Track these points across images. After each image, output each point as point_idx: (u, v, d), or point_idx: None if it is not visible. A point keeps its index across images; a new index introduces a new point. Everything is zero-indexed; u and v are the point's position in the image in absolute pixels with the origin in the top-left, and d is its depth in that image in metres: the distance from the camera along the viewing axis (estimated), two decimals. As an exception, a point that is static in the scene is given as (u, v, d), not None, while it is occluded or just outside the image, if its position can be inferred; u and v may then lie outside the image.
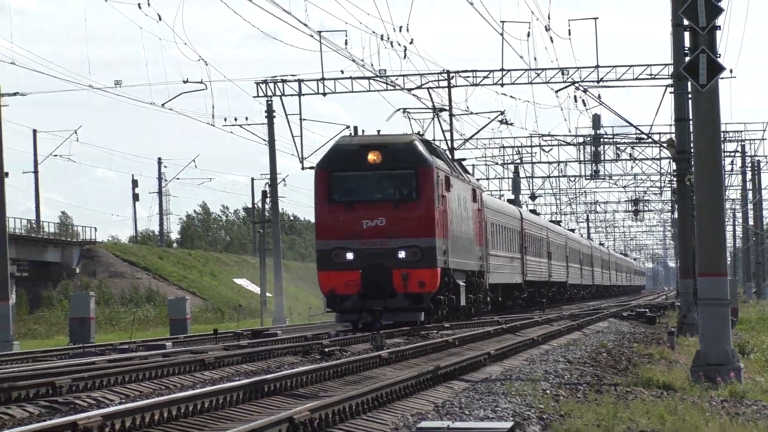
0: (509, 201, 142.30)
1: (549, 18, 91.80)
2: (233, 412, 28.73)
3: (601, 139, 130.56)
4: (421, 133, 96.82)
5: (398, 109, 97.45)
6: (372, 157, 76.60)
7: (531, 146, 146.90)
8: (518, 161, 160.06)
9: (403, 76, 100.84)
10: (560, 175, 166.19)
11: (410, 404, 29.71)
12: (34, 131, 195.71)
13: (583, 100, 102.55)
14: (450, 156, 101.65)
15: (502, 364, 45.35)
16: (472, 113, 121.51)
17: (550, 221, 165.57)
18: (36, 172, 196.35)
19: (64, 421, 23.54)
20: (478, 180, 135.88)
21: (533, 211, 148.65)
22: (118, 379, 37.25)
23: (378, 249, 75.98)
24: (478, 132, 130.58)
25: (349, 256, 75.52)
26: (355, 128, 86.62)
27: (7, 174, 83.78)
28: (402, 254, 77.89)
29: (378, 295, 74.19)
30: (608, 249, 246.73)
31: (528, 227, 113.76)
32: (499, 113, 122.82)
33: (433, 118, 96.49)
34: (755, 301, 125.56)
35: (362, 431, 25.16)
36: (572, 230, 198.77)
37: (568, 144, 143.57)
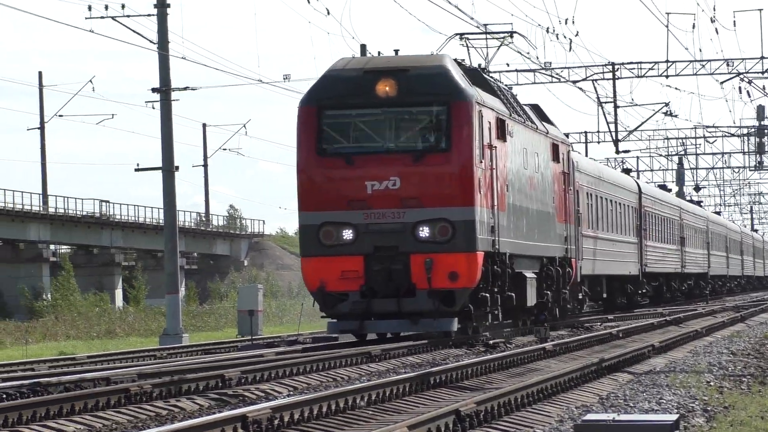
0: (661, 187, 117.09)
1: (714, 9, 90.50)
2: (400, 404, 28.83)
3: (766, 131, 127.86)
4: (483, 67, 65.45)
5: (454, 35, 65.96)
6: (382, 86, 49.34)
7: (695, 138, 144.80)
8: (682, 153, 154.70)
9: (568, 68, 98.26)
10: (724, 166, 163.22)
11: (575, 396, 29.45)
12: (204, 125, 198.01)
13: (747, 92, 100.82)
14: (513, 94, 67.75)
15: (666, 356, 45.03)
16: (636, 105, 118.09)
17: (679, 196, 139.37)
18: (205, 165, 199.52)
19: (234, 413, 23.83)
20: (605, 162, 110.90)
21: (663, 187, 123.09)
22: (286, 372, 38.14)
23: (389, 224, 49.22)
24: (643, 124, 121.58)
25: (347, 234, 49.27)
26: (363, 46, 62.06)
27: (177, 168, 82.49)
28: (424, 231, 50.65)
29: (389, 293, 48.39)
30: (762, 236, 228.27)
31: (649, 205, 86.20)
32: (664, 105, 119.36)
33: (499, 47, 66.28)
34: None
35: (527, 423, 24.28)
36: (718, 213, 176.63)
37: (733, 135, 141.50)
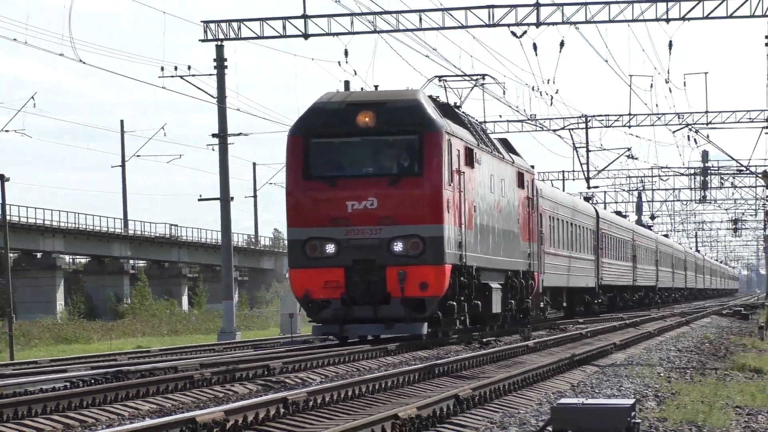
0: (617, 213, 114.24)
1: (668, 72, 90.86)
2: (410, 389, 29.55)
3: (708, 171, 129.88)
4: (458, 105, 61.25)
5: (433, 78, 60.56)
6: (362, 117, 48.29)
7: (652, 176, 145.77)
8: (641, 188, 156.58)
9: (549, 119, 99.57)
10: (675, 200, 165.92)
11: (551, 384, 30.18)
12: (254, 164, 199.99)
13: (694, 139, 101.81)
14: (483, 128, 65.67)
15: (625, 351, 45.67)
16: (604, 149, 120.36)
17: (638, 224, 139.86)
18: (255, 197, 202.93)
19: (276, 396, 24.85)
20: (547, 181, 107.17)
21: (618, 213, 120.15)
22: (319, 363, 38.64)
23: (367, 239, 48.11)
24: (609, 165, 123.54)
25: (330, 248, 48.14)
26: (347, 82, 56.08)
27: (232, 198, 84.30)
28: (398, 246, 49.13)
29: (366, 301, 47.51)
30: (704, 255, 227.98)
31: (606, 227, 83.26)
32: (627, 149, 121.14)
33: (472, 88, 61.72)
34: None
35: (513, 406, 24.91)
36: (666, 236, 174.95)
37: (682, 174, 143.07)
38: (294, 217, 43.47)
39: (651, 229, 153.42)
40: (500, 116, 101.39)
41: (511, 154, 55.15)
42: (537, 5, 54.82)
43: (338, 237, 41.50)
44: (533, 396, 26.37)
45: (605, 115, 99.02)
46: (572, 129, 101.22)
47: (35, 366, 45.78)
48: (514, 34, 58.43)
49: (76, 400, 26.20)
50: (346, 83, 48.64)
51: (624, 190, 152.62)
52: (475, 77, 59.46)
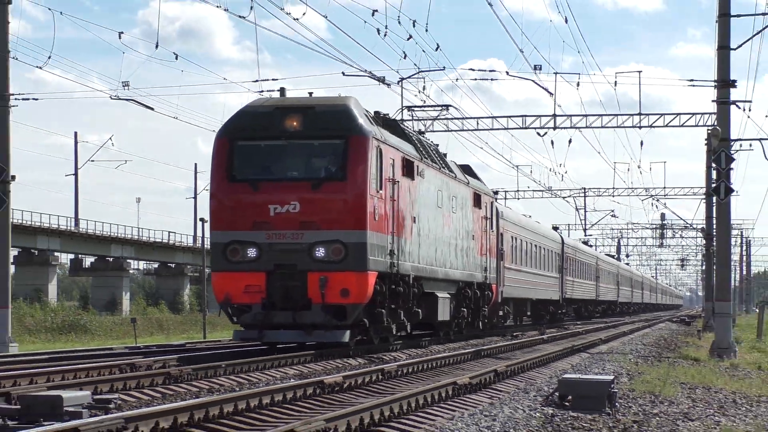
0: (584, 243, 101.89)
1: (640, 160, 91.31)
2: (465, 366, 28.32)
3: (664, 226, 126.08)
4: (423, 132, 52.01)
5: (404, 107, 51.42)
6: (289, 121, 37.16)
7: (627, 229, 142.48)
8: (620, 237, 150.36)
9: (560, 190, 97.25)
10: (642, 245, 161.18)
11: (558, 364, 29.50)
12: (195, 164, 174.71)
13: (656, 205, 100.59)
14: (437, 149, 49.53)
15: (608, 344, 43.24)
16: (596, 210, 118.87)
17: (606, 254, 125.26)
18: (195, 197, 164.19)
19: (376, 368, 23.96)
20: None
21: (585, 242, 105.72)
22: (403, 347, 35.74)
23: (289, 244, 36.20)
24: (599, 221, 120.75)
25: (251, 252, 36.39)
26: (282, 89, 42.61)
27: (13, 178, 67.95)
28: (320, 252, 36.89)
29: (287, 306, 35.75)
30: (656, 279, 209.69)
31: (570, 252, 72.33)
32: (611, 211, 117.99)
33: (437, 117, 53.55)
34: (744, 314, 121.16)
35: (533, 378, 24.68)
36: (627, 264, 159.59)
37: (647, 228, 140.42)
38: (217, 220, 33.32)
39: (614, 257, 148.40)
40: (528, 187, 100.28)
41: (467, 176, 44.40)
42: (554, 116, 54.53)
43: (260, 241, 31.79)
44: (546, 372, 26.25)
45: (597, 188, 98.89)
46: (575, 196, 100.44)
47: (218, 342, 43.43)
48: (538, 134, 57.41)
49: (245, 365, 25.25)
50: (282, 90, 38.33)
51: (609, 237, 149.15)
52: (439, 107, 49.41)
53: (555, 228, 77.07)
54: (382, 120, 35.63)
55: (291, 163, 32.33)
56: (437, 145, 44.21)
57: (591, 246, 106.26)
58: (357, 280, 30.15)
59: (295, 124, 31.85)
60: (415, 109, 48.02)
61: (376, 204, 31.22)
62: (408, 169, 34.25)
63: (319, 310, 29.87)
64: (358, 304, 30.24)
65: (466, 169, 42.39)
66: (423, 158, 36.35)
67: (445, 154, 41.71)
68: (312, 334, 29.91)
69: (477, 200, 41.63)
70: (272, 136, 31.93)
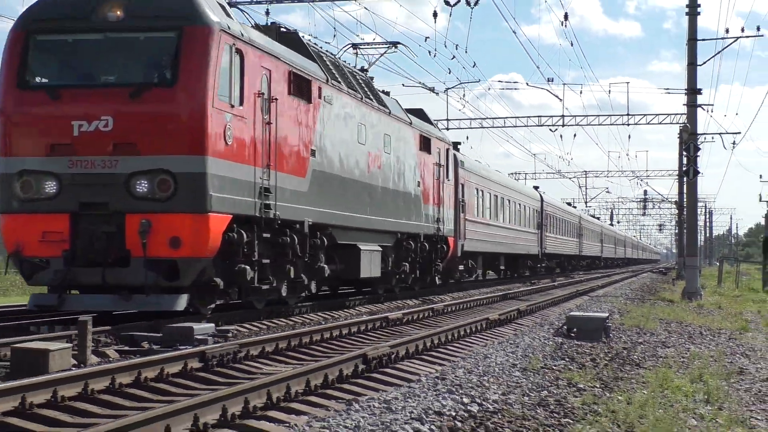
0: (568, 203, 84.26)
1: (628, 149, 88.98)
2: (494, 306, 26.82)
3: (646, 200, 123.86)
4: (365, 69, 32.32)
5: (349, 44, 35.51)
6: (106, 8, 17.72)
7: (618, 201, 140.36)
8: (612, 208, 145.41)
9: (568, 173, 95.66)
10: (629, 213, 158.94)
11: (566, 305, 28.41)
12: None
13: (640, 183, 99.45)
14: (365, 77, 28.98)
15: (603, 290, 41.29)
16: (595, 188, 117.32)
17: (591, 215, 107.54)
18: None
19: (427, 306, 23.37)
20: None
21: (568, 203, 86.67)
22: (446, 291, 34.07)
23: (100, 175, 17.26)
24: (597, 195, 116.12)
25: (50, 187, 17.45)
26: None
27: None
28: (142, 186, 17.65)
29: (98, 261, 16.93)
30: (638, 238, 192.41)
31: (549, 210, 60.68)
32: (605, 188, 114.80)
33: (382, 54, 34.94)
34: (708, 267, 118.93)
35: (547, 314, 24.05)
36: (611, 224, 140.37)
37: (633, 201, 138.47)
38: (5, 143, 19.02)
39: (612, 225, 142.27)
40: (543, 170, 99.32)
41: (414, 118, 30.60)
42: (562, 116, 54.21)
43: (60, 171, 18.24)
44: (557, 310, 25.66)
45: (595, 171, 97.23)
46: (578, 178, 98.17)
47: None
48: (550, 130, 56.94)
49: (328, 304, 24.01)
50: None
51: (604, 208, 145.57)
52: (387, 44, 34.96)
53: (536, 188, 61.97)
54: (275, 31, 21.64)
55: (106, 64, 18.49)
56: (371, 77, 30.32)
57: (575, 207, 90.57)
58: (193, 225, 16.73)
59: (114, 12, 17.85)
60: (361, 46, 35.33)
61: (231, 123, 17.70)
62: (300, 88, 20.41)
63: (140, 267, 16.61)
64: (197, 259, 16.96)
65: (418, 113, 30.95)
66: (332, 81, 22.53)
67: (387, 93, 28.83)
68: (131, 299, 16.72)
69: (425, 144, 29.62)
70: (83, 28, 18.14)
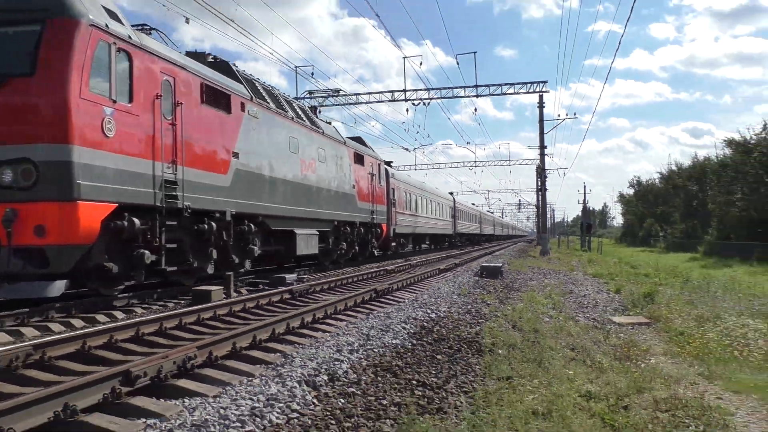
0: (473, 204, 69.39)
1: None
2: (438, 264, 22.87)
3: (521, 203, 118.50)
4: (315, 107, 27.13)
5: (305, 92, 30.36)
6: None
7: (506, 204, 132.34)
8: (503, 208, 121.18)
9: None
10: (511, 211, 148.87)
11: (480, 260, 25.28)
12: None
13: (519, 198, 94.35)
14: (310, 114, 19.24)
15: (499, 251, 37.18)
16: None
17: (488, 211, 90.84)
18: None
19: (382, 268, 20.91)
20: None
21: (473, 204, 70.95)
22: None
23: None
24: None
25: None
26: None
27: None
28: (7, 175, 7.72)
29: None
30: (514, 224, 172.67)
31: (460, 207, 51.68)
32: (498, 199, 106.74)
33: (327, 96, 30.05)
34: (553, 238, 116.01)
35: (471, 266, 21.14)
36: (495, 214, 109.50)
37: (514, 205, 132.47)
38: None
39: (503, 216, 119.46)
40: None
41: (352, 141, 23.89)
42: (475, 162, 53.66)
43: None
44: (476, 263, 22.98)
45: (494, 190, 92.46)
46: (484, 193, 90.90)
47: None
48: (469, 168, 56.62)
49: (359, 264, 21.78)
50: None
51: (498, 208, 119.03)
52: (333, 90, 29.66)
53: (451, 193, 51.52)
54: (204, 57, 14.26)
55: None
56: (317, 111, 25.12)
57: (477, 206, 73.17)
58: (59, 213, 8.82)
59: None
60: (315, 92, 30.08)
61: (112, 117, 9.74)
62: (216, 99, 13.30)
63: (5, 256, 8.66)
64: (68, 246, 8.89)
65: (357, 139, 25.15)
66: (257, 100, 15.36)
67: (329, 122, 22.03)
68: (2, 287, 8.79)
69: (359, 159, 23.06)
70: None
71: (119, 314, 9.48)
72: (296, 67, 28.59)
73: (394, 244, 29.46)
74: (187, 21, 14.42)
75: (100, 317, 9.05)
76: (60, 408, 4.37)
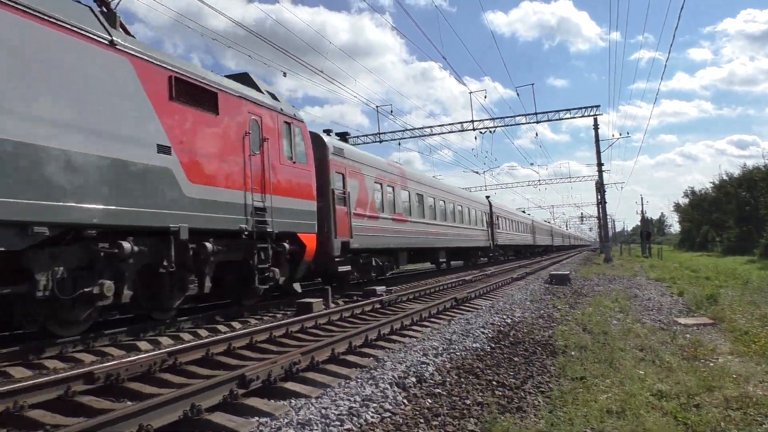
0: (522, 210, 53.08)
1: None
2: (512, 272, 22.12)
3: (583, 216, 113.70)
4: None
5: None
6: None
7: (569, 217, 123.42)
8: (567, 220, 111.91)
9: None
10: (578, 224, 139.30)
11: (550, 269, 23.94)
12: None
13: (582, 212, 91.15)
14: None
15: (566, 260, 34.83)
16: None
17: (545, 220, 71.86)
18: None
19: (460, 279, 19.88)
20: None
21: (522, 210, 53.71)
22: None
23: None
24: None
25: None
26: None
27: None
28: None
29: None
30: (577, 234, 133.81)
31: (499, 212, 33.62)
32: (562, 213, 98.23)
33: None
34: (615, 247, 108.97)
35: (541, 274, 20.14)
36: (559, 226, 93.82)
37: (577, 218, 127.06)
38: None
39: (568, 229, 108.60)
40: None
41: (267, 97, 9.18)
42: (539, 181, 52.19)
43: None
44: (545, 272, 22.01)
45: (558, 205, 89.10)
46: (548, 209, 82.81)
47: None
48: (534, 186, 54.95)
49: (443, 275, 20.80)
50: None
51: (562, 221, 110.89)
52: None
53: (488, 197, 33.16)
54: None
55: None
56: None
57: (524, 212, 54.64)
58: None
59: None
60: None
61: None
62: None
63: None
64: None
65: (243, 79, 9.89)
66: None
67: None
68: None
69: (197, 97, 8.07)
70: None
71: (237, 324, 9.59)
72: (377, 106, 27.93)
73: (344, 268, 13.62)
74: (285, 74, 15.06)
75: (221, 327, 9.18)
76: (188, 407, 4.49)
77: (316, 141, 12.87)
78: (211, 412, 4.57)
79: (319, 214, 12.13)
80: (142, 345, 7.53)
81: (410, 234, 18.04)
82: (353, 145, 14.79)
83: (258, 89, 10.12)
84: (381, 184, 15.94)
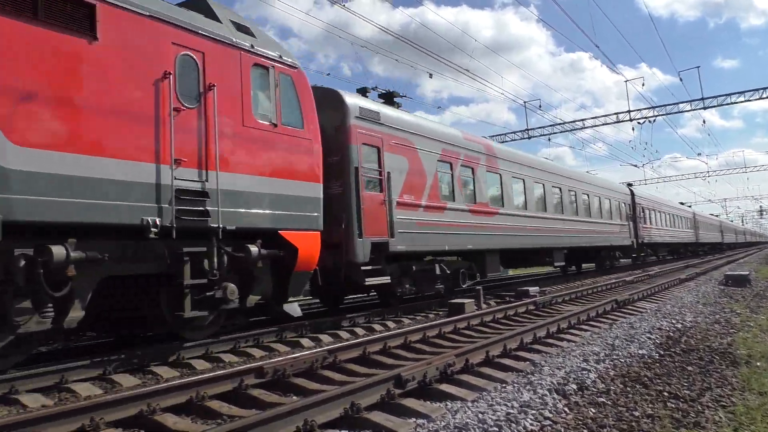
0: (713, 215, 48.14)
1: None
2: (678, 274, 19.51)
3: (762, 209, 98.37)
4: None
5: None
6: None
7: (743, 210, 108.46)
8: (743, 215, 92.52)
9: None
10: (753, 217, 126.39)
11: (725, 268, 20.98)
12: None
13: (761, 205, 77.78)
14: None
15: (744, 259, 30.04)
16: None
17: (711, 214, 56.27)
18: None
19: (620, 279, 18.13)
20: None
21: (681, 203, 38.39)
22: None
23: None
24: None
25: None
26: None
27: None
28: None
29: None
30: (755, 230, 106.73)
31: (644, 203, 24.00)
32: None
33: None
34: None
35: (712, 274, 18.11)
36: (731, 221, 77.10)
37: (755, 212, 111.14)
38: None
39: (742, 223, 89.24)
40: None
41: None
42: (707, 172, 46.91)
43: None
44: (718, 272, 19.84)
45: (731, 198, 78.15)
46: (720, 202, 73.75)
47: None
48: (701, 179, 49.85)
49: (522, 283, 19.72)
50: None
51: (737, 216, 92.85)
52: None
53: (629, 185, 25.22)
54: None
55: None
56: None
57: (689, 206, 41.96)
58: None
59: None
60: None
61: None
62: None
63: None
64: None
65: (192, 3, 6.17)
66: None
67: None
68: None
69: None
70: None
71: (391, 324, 9.43)
72: (525, 102, 26.74)
73: (378, 280, 9.09)
74: (431, 76, 13.29)
75: (376, 326, 8.92)
76: (348, 405, 4.47)
77: (330, 99, 8.74)
78: (370, 410, 4.53)
79: (332, 202, 8.24)
80: (305, 342, 7.62)
81: (502, 230, 13.20)
82: (501, 142, 11.69)
83: (214, 17, 6.65)
84: (451, 163, 11.32)
